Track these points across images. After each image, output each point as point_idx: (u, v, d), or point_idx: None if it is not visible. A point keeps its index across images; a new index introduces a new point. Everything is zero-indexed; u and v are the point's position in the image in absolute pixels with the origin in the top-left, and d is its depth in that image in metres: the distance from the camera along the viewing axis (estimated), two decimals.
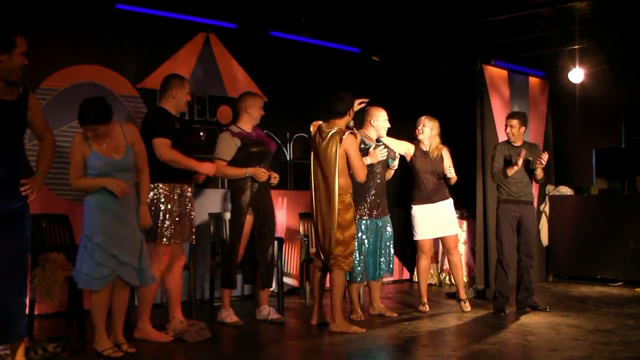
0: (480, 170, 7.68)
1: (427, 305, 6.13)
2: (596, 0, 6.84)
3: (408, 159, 6.21)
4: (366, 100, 5.54)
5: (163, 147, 4.69)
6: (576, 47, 7.75)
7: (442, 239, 6.24)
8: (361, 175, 5.19)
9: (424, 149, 6.15)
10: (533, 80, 8.76)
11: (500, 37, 7.80)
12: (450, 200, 6.22)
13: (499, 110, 8.07)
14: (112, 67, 6.09)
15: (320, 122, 5.32)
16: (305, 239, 6.56)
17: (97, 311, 4.24)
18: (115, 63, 6.12)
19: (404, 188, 6.88)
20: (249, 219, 5.34)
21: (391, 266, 5.90)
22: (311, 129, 5.37)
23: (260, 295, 5.57)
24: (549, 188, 8.67)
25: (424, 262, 6.24)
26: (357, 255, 5.58)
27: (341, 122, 5.22)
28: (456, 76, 8.30)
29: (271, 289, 5.93)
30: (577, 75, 8.01)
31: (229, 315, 5.35)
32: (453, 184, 6.16)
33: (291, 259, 7.26)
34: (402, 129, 7.09)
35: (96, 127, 4.16)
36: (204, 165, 4.90)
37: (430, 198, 6.10)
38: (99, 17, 5.95)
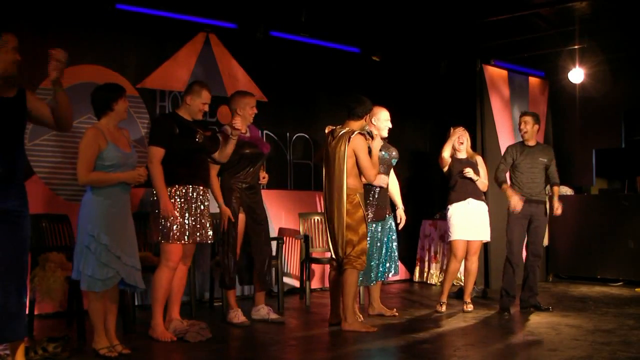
0: None
1: (444, 306, 6.07)
2: (596, 0, 6.84)
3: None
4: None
5: (153, 156, 4.68)
6: (576, 47, 7.75)
7: (469, 240, 6.11)
8: (371, 175, 5.20)
9: (459, 157, 6.16)
10: (533, 80, 8.76)
11: (500, 37, 7.79)
12: (485, 205, 6.18)
13: (499, 110, 8.06)
14: (112, 67, 6.09)
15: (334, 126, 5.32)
16: (305, 238, 6.55)
17: (94, 312, 4.19)
18: (115, 63, 6.11)
19: (409, 190, 6.86)
20: (241, 218, 5.35)
21: (397, 265, 5.90)
22: (326, 131, 5.36)
23: (257, 295, 5.57)
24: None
25: (454, 265, 6.09)
26: None
27: (356, 125, 5.21)
28: (456, 76, 8.30)
29: (271, 289, 5.94)
30: (577, 75, 8.01)
31: (236, 316, 5.33)
32: (483, 190, 6.19)
33: (291, 259, 7.25)
34: (402, 129, 7.09)
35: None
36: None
37: (465, 196, 6.04)
38: (99, 17, 5.95)
